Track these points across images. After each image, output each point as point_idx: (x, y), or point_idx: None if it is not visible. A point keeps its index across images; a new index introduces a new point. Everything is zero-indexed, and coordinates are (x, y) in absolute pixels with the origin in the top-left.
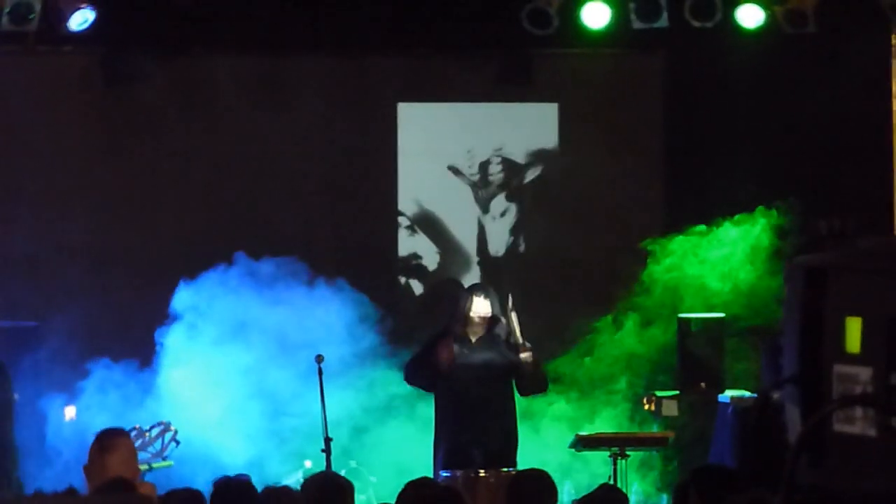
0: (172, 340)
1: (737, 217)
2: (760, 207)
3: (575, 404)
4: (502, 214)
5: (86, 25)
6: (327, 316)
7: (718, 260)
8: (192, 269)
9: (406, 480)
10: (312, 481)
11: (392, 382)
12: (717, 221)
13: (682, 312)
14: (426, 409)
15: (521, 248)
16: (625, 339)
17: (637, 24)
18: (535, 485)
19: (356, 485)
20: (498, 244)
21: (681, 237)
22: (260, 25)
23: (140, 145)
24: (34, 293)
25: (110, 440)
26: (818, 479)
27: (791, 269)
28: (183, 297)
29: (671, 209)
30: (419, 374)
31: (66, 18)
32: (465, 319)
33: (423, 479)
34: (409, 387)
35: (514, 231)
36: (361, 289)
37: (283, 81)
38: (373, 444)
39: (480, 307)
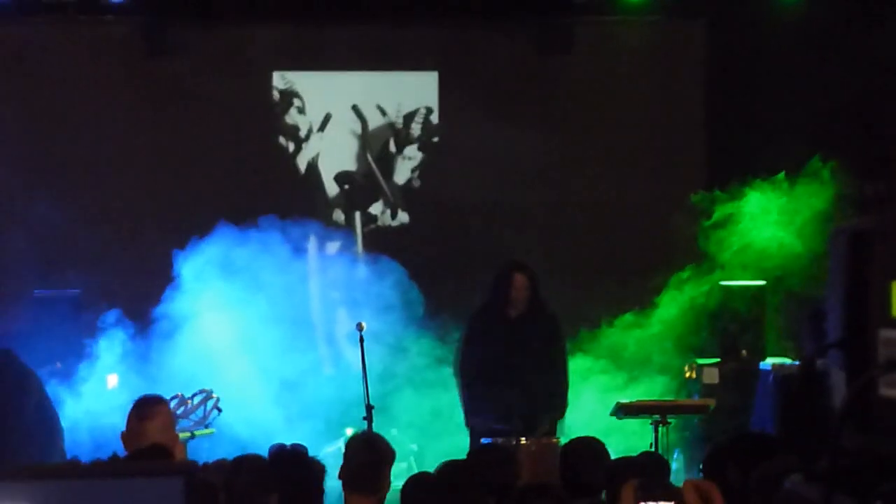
0: (206, 305)
1: (778, 178)
2: (806, 169)
3: (616, 374)
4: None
5: None
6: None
7: (767, 223)
8: (229, 231)
9: (448, 445)
10: (353, 441)
11: (428, 351)
12: (758, 185)
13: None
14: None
15: (569, 209)
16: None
17: None
18: (587, 451)
19: (397, 452)
20: (545, 204)
21: (728, 201)
22: None
23: (179, 113)
24: (74, 260)
25: (148, 408)
26: (864, 443)
27: (835, 235)
28: (216, 261)
29: (714, 173)
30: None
31: None
32: (506, 296)
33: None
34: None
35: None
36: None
37: (321, 49)
38: (411, 411)
39: (521, 282)
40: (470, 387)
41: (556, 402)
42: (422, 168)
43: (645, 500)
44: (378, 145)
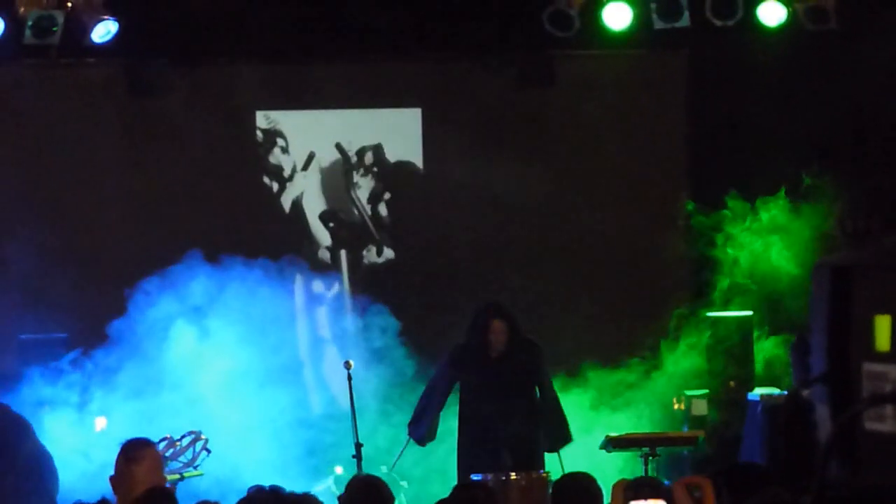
0: (193, 346)
1: (764, 209)
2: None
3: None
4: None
5: (108, 37)
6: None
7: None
8: (216, 272)
9: (436, 485)
10: (354, 483)
11: (415, 388)
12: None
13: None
14: (450, 418)
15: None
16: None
17: (659, 24)
18: (580, 487)
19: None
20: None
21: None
22: (281, 34)
23: (164, 154)
24: (59, 303)
25: (136, 451)
26: (849, 476)
27: (818, 269)
28: (204, 298)
29: (698, 203)
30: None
31: (89, 30)
32: (484, 338)
33: (472, 483)
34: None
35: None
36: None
37: (304, 88)
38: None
39: (498, 328)
40: (426, 397)
41: (559, 432)
42: (406, 203)
43: (634, 499)
44: (365, 171)
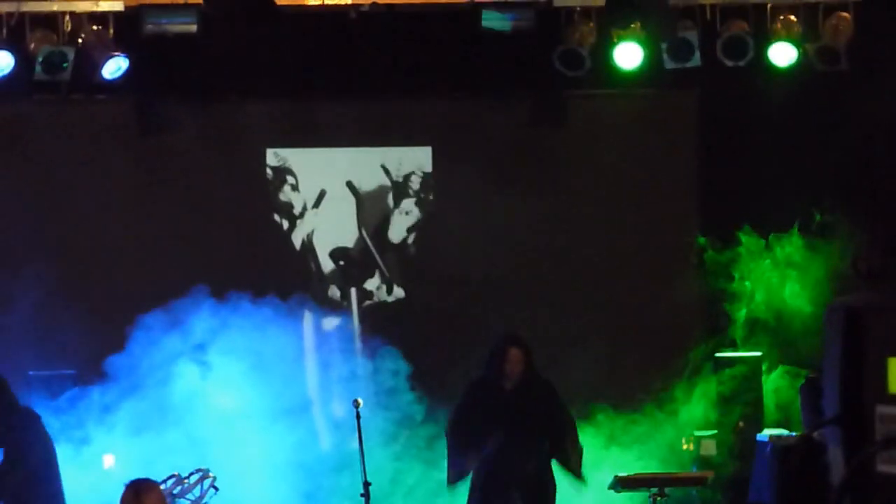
0: (202, 383)
1: (778, 245)
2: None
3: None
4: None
5: (119, 74)
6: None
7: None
8: (224, 310)
9: None
10: None
11: (425, 427)
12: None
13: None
14: None
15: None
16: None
17: (669, 65)
18: None
19: None
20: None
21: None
22: (291, 72)
23: (173, 191)
24: (68, 339)
25: (142, 490)
26: None
27: (831, 310)
28: (212, 335)
29: (709, 240)
30: (459, 458)
31: (100, 67)
32: (501, 370)
33: None
34: (441, 429)
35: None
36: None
37: (315, 126)
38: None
39: (515, 356)
40: (455, 437)
41: (575, 451)
42: (418, 239)
43: None
44: (375, 210)
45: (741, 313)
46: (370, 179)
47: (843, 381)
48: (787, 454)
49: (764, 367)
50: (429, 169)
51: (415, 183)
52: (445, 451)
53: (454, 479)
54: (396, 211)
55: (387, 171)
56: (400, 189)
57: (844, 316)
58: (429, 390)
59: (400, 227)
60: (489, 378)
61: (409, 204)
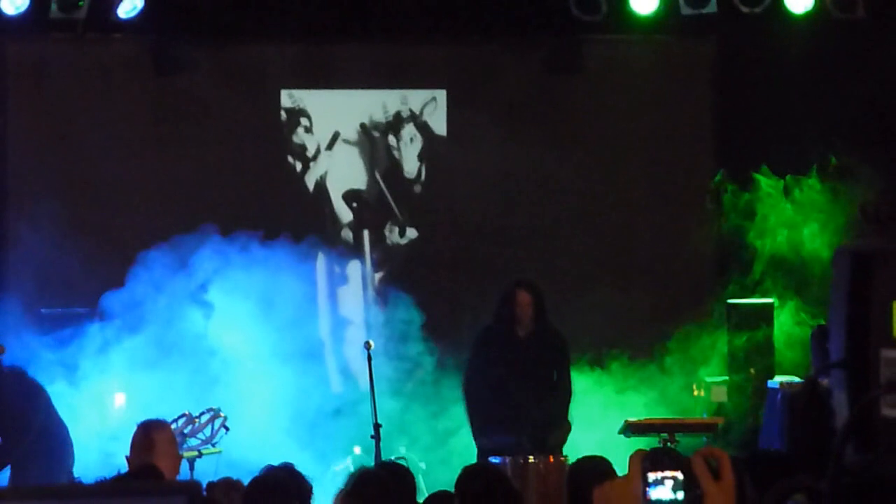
0: (215, 323)
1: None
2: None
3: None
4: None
5: (134, 13)
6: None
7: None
8: (237, 250)
9: (455, 467)
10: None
11: (436, 369)
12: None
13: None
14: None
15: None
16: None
17: (686, 10)
18: (595, 471)
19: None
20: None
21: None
22: (307, 13)
23: (187, 131)
24: (82, 278)
25: (151, 428)
26: (866, 462)
27: (838, 255)
28: (225, 276)
29: (725, 178)
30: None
31: (115, 6)
32: (512, 315)
33: (481, 465)
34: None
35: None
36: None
37: (330, 68)
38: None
39: (524, 299)
40: (477, 404)
41: (561, 423)
42: (432, 180)
43: (652, 471)
44: (388, 151)
45: (765, 249)
46: (384, 121)
47: (848, 325)
48: (796, 400)
49: (776, 314)
50: (443, 110)
51: (425, 114)
52: (452, 399)
53: (481, 456)
54: (402, 143)
55: (399, 110)
56: (409, 121)
57: (851, 260)
58: (440, 332)
59: (410, 158)
60: (501, 324)
61: (411, 130)
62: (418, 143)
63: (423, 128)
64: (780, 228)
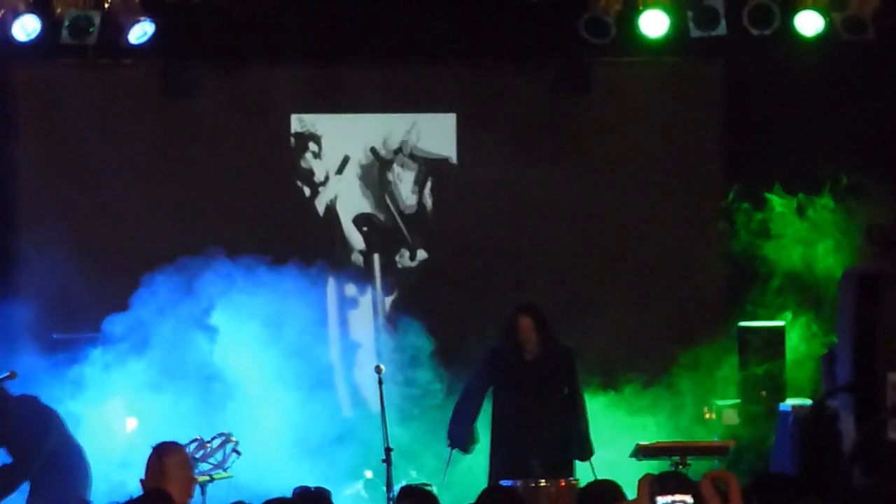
0: (227, 348)
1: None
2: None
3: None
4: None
5: (145, 38)
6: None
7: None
8: (247, 275)
9: (464, 490)
10: (406, 491)
11: (446, 393)
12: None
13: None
14: (482, 418)
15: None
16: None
17: (695, 33)
18: (605, 495)
19: None
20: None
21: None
22: (316, 37)
23: (197, 156)
24: (92, 303)
25: (164, 452)
26: (873, 485)
27: (844, 278)
28: (237, 301)
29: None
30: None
31: (126, 31)
32: (515, 342)
33: (497, 487)
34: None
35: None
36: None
37: (339, 92)
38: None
39: (525, 325)
40: (463, 402)
41: (584, 444)
42: (442, 205)
43: (661, 494)
44: (397, 176)
45: (780, 265)
46: (394, 145)
47: (855, 348)
48: (806, 423)
49: (788, 334)
50: (452, 134)
51: (434, 137)
52: None
53: (458, 446)
54: (412, 167)
55: (406, 139)
56: (419, 144)
57: (857, 282)
58: (450, 355)
59: (420, 181)
60: (509, 349)
61: (421, 153)
62: (428, 167)
63: (433, 151)
64: (794, 245)
